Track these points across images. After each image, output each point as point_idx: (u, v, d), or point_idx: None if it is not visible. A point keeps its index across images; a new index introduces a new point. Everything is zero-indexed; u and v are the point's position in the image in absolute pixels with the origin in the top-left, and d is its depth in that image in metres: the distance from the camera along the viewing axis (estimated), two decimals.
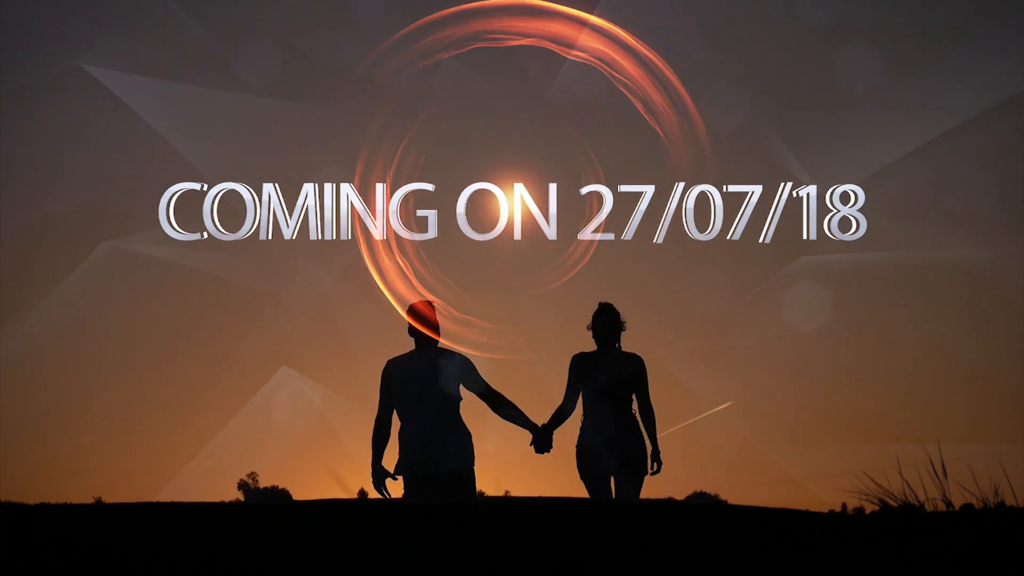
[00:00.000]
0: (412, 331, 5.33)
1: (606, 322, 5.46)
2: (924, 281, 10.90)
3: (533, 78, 9.50)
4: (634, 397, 5.50)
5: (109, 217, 11.25)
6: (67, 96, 10.91)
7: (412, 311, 5.34)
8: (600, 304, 5.50)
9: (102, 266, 10.88)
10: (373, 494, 5.28)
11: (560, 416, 5.40)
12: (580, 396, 5.46)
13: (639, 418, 5.45)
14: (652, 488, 5.41)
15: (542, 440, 5.28)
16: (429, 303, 5.38)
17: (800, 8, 10.17)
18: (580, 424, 5.43)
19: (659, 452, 5.39)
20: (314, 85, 10.41)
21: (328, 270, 10.05)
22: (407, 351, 5.35)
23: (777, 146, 9.90)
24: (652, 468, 5.41)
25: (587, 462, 5.37)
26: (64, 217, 11.23)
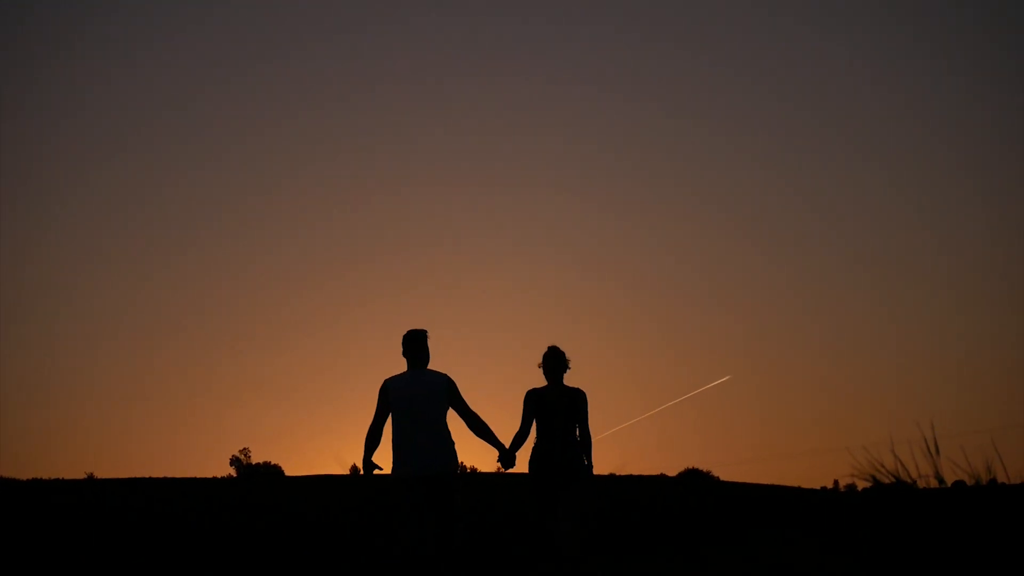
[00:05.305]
0: (407, 354, 5.96)
1: (554, 362, 6.37)
2: None
3: None
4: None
5: None
6: None
7: (411, 337, 5.96)
8: (549, 348, 6.42)
9: None
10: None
11: (519, 440, 6.31)
12: (533, 423, 6.34)
13: (579, 440, 6.32)
14: (645, 465, 5.85)
15: (507, 458, 6.19)
16: (423, 331, 5.99)
17: None
18: (532, 446, 6.31)
19: (591, 468, 6.35)
20: None
21: None
22: (401, 372, 5.97)
23: None
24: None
25: (538, 478, 6.28)
26: None
